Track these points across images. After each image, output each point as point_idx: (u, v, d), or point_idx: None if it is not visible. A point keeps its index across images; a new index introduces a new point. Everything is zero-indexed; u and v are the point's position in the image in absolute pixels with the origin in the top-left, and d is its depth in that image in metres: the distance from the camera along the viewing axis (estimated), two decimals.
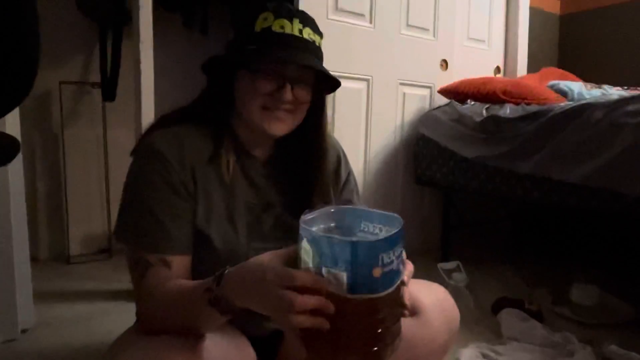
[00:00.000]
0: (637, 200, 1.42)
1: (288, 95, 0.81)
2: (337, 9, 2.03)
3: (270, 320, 0.91)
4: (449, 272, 1.78)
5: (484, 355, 1.31)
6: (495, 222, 2.73)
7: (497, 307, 1.62)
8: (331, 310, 0.55)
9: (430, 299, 0.88)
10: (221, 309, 0.64)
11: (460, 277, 1.75)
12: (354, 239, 0.53)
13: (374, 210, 0.62)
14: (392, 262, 0.54)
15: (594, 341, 1.38)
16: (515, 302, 1.62)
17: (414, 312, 0.84)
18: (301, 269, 0.57)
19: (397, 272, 0.56)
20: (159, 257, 0.77)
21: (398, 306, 0.59)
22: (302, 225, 0.57)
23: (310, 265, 0.56)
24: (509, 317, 1.52)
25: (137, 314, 0.82)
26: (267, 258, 0.62)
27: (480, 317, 1.62)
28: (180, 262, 0.79)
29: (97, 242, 2.30)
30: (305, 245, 0.56)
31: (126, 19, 1.97)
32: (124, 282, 1.83)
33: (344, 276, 0.53)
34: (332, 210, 0.62)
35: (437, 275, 1.73)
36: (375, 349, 0.56)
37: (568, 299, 1.72)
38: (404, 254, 0.59)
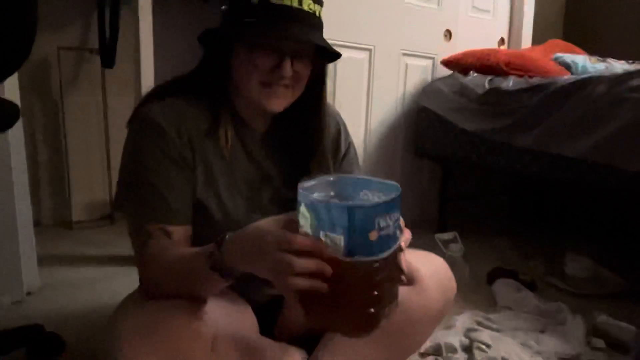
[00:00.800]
0: (634, 176, 1.43)
1: (288, 70, 0.80)
2: None
3: (269, 286, 0.93)
4: (446, 242, 1.81)
5: (478, 323, 1.35)
6: (493, 194, 2.75)
7: (492, 277, 1.65)
8: (329, 273, 0.56)
9: (428, 269, 0.90)
10: (222, 273, 0.65)
11: (456, 248, 1.78)
12: (350, 203, 0.54)
13: (373, 178, 0.63)
14: (388, 226, 0.55)
15: (585, 311, 1.41)
16: (509, 272, 1.66)
17: (412, 281, 0.86)
18: (300, 233, 0.58)
19: (394, 237, 0.58)
20: (159, 227, 0.78)
21: (395, 270, 0.61)
22: (300, 191, 0.58)
23: (309, 229, 0.57)
24: (503, 287, 1.56)
25: (140, 280, 0.84)
26: (267, 223, 0.63)
27: (476, 286, 1.65)
28: (180, 232, 0.80)
29: (99, 208, 2.32)
30: (303, 210, 0.57)
31: None
32: (126, 247, 1.85)
33: (341, 240, 0.54)
34: (331, 179, 0.63)
35: (435, 246, 1.75)
36: (372, 310, 0.57)
37: (561, 270, 1.75)
38: (402, 222, 0.60)
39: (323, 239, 0.56)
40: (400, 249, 0.61)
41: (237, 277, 0.66)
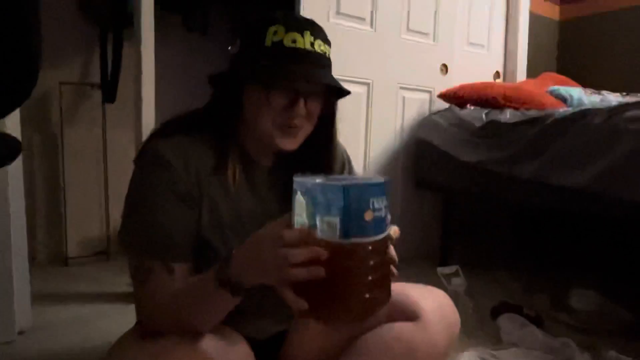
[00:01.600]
0: (636, 206, 1.42)
1: (302, 110, 0.82)
2: (338, 12, 2.03)
3: (268, 318, 0.91)
4: (448, 276, 1.78)
5: None
6: (495, 226, 2.73)
7: (496, 312, 1.62)
8: (324, 256, 0.57)
9: (431, 304, 0.88)
10: (231, 289, 0.66)
11: (459, 282, 1.75)
12: (346, 182, 0.56)
13: (362, 177, 0.65)
14: (381, 209, 0.58)
15: (593, 347, 1.37)
16: (514, 307, 1.62)
17: (415, 316, 0.84)
18: (295, 225, 0.60)
19: (386, 222, 0.60)
20: (162, 265, 0.77)
21: (387, 258, 0.63)
22: (295, 180, 0.60)
23: (305, 217, 0.59)
24: (508, 322, 1.52)
25: (138, 317, 0.82)
26: (265, 229, 0.65)
27: (479, 322, 1.62)
28: (182, 270, 0.79)
29: (95, 244, 2.29)
30: (299, 198, 0.59)
31: (127, 21, 1.97)
32: (122, 284, 1.83)
33: (337, 222, 0.56)
34: (319, 180, 0.64)
35: (437, 280, 1.73)
36: (367, 296, 0.59)
37: (567, 305, 1.72)
38: (389, 216, 0.62)
39: (319, 224, 0.57)
40: (390, 238, 0.63)
41: (245, 292, 0.66)
